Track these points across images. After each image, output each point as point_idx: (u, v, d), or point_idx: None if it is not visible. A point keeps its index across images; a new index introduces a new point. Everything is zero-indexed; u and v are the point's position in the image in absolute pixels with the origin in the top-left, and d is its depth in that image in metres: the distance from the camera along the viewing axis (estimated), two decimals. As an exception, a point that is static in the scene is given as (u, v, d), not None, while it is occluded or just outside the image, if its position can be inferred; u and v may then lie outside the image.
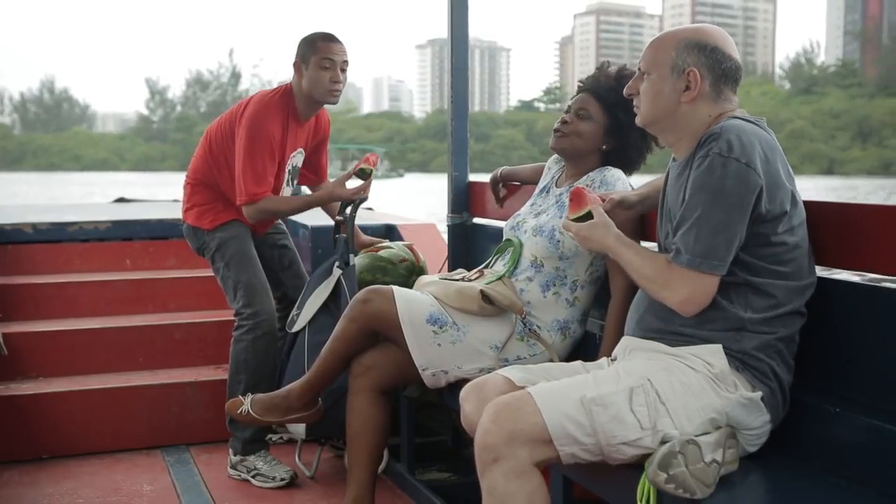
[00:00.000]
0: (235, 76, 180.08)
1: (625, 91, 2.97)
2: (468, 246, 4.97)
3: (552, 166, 4.08)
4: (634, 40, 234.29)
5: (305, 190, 5.21)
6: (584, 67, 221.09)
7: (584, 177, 3.77)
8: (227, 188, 4.64)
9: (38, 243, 6.14)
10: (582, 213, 2.94)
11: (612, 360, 3.01)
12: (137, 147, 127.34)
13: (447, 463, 4.77)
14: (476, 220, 5.13)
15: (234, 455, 4.63)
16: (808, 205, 2.81)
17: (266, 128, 4.43)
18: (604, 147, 3.76)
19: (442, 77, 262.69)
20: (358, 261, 4.68)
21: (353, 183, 4.54)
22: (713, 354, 2.70)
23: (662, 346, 2.79)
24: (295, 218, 5.51)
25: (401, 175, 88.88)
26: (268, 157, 4.45)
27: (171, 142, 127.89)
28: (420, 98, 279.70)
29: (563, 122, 3.80)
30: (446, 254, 5.05)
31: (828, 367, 2.89)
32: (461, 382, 3.46)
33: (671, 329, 2.79)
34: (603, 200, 3.09)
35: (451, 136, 5.09)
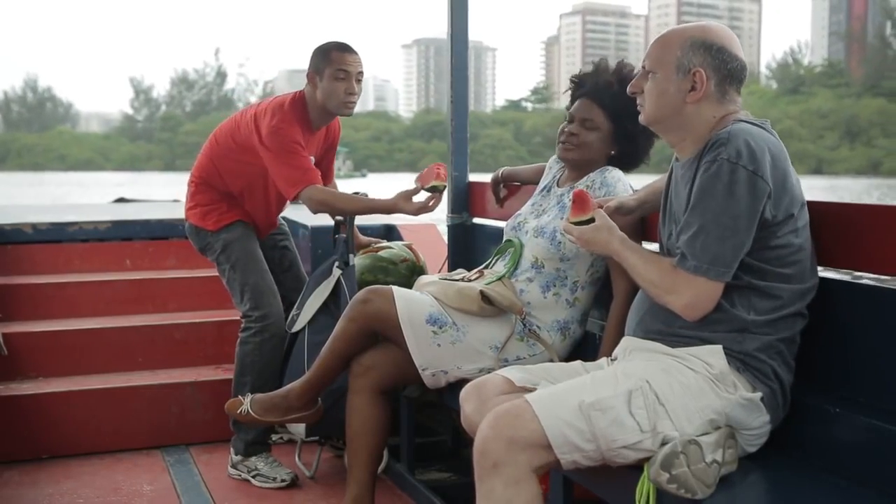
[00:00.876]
0: (221, 75, 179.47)
1: (628, 89, 2.96)
2: (468, 246, 4.98)
3: (553, 165, 4.08)
4: (620, 40, 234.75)
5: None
6: (571, 67, 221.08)
7: (585, 177, 3.77)
8: (234, 188, 4.64)
9: (38, 243, 6.14)
10: (585, 217, 2.92)
11: (612, 360, 3.01)
12: (122, 147, 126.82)
13: (447, 463, 4.77)
14: (476, 220, 5.13)
15: (236, 455, 4.64)
16: (809, 205, 2.81)
17: (290, 135, 4.38)
18: (612, 152, 3.78)
19: (428, 77, 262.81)
20: (358, 261, 4.68)
21: (419, 197, 4.36)
22: (712, 355, 2.70)
23: (662, 347, 2.79)
24: (294, 218, 5.52)
25: (364, 175, 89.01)
26: (301, 150, 4.40)
27: (157, 141, 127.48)
28: (406, 98, 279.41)
29: (571, 135, 3.79)
30: (446, 254, 5.06)
31: (828, 367, 2.88)
32: (461, 382, 3.47)
33: (672, 330, 2.78)
34: (601, 207, 3.07)
35: (451, 136, 5.10)
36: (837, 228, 2.87)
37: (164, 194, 13.50)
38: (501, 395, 2.90)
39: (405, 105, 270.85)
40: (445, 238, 5.19)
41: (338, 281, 4.51)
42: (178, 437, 5.15)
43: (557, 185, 3.95)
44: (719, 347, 2.70)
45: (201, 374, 5.30)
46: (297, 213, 5.43)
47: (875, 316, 2.76)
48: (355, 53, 4.50)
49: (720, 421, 2.67)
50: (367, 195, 4.62)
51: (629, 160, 3.80)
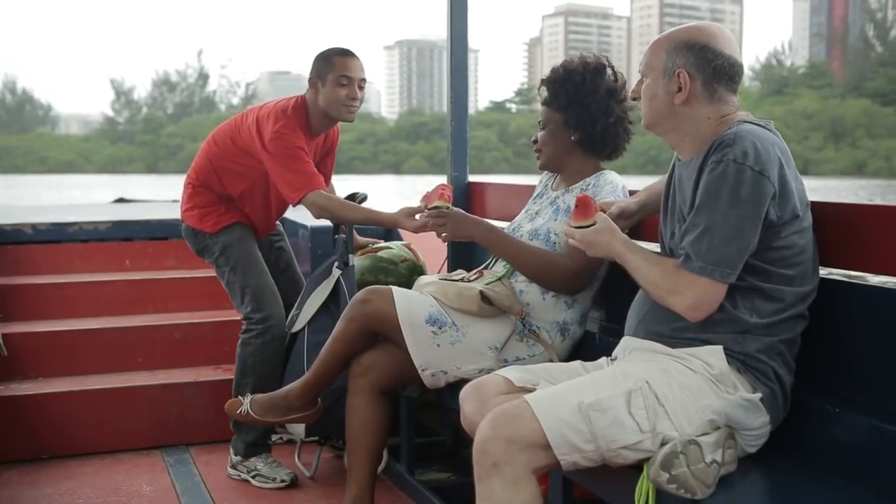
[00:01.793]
0: (203, 77, 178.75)
1: (630, 95, 3.00)
2: (468, 246, 4.97)
3: (543, 176, 4.13)
4: (603, 41, 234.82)
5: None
6: (581, 52, 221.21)
7: (581, 181, 3.79)
8: (233, 191, 4.63)
9: (38, 244, 6.14)
10: (588, 222, 2.93)
11: (612, 359, 3.01)
12: (104, 149, 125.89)
13: (447, 463, 4.78)
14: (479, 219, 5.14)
15: (235, 455, 4.64)
16: (813, 205, 2.81)
17: (293, 140, 4.38)
18: (573, 138, 3.78)
19: (410, 78, 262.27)
20: (358, 262, 4.68)
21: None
22: (713, 355, 2.70)
23: (663, 347, 2.79)
24: (294, 218, 5.53)
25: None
26: (304, 154, 4.40)
27: (139, 143, 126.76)
28: (388, 99, 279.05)
29: (534, 141, 3.90)
30: (446, 254, 5.06)
31: (828, 367, 2.89)
32: (461, 382, 3.47)
33: (673, 330, 2.79)
34: (603, 211, 3.09)
35: (451, 136, 5.11)
36: (838, 228, 2.87)
37: (148, 196, 13.45)
38: (501, 396, 2.90)
39: (387, 106, 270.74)
40: (445, 238, 5.17)
41: (337, 281, 4.51)
42: (177, 437, 5.15)
43: (551, 189, 3.98)
44: (719, 348, 2.70)
45: (201, 375, 5.30)
46: (296, 213, 5.44)
47: (875, 316, 2.76)
48: (358, 59, 4.49)
49: (720, 421, 2.67)
50: (366, 196, 4.65)
51: (597, 141, 3.80)
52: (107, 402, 5.06)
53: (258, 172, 4.52)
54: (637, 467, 2.61)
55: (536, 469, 2.63)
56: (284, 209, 4.86)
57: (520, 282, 3.75)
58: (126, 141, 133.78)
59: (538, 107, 3.94)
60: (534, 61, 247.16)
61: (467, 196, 5.13)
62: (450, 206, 4.01)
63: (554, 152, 3.84)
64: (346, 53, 4.48)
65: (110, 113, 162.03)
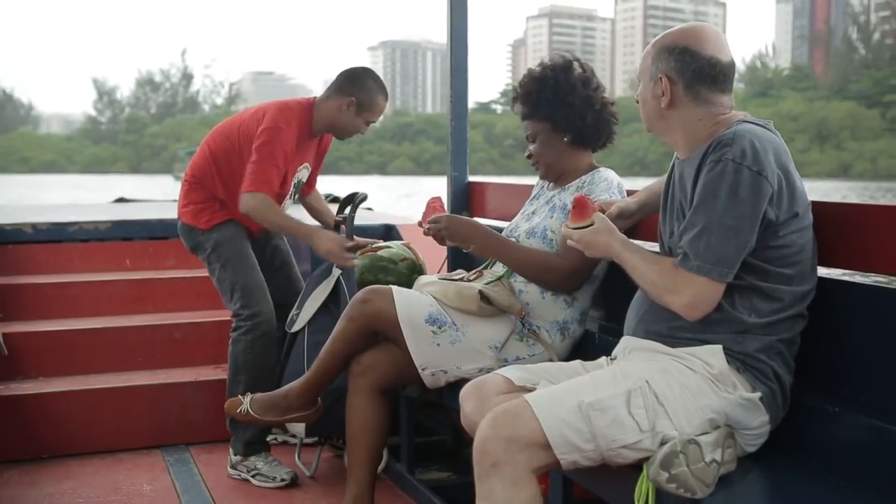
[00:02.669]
0: (187, 77, 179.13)
1: (636, 98, 3.00)
2: (467, 246, 5.01)
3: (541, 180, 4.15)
4: (587, 43, 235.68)
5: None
6: (542, 58, 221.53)
7: (577, 180, 3.81)
8: (224, 190, 4.66)
9: (39, 243, 6.14)
10: (586, 223, 2.94)
11: (611, 359, 3.01)
12: (86, 149, 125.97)
13: (447, 462, 4.78)
14: (476, 220, 5.13)
15: (235, 455, 4.65)
16: (813, 205, 2.81)
17: (284, 134, 4.45)
18: (566, 140, 3.80)
19: (394, 79, 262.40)
20: (358, 261, 4.71)
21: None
22: (712, 355, 2.70)
23: (662, 347, 2.80)
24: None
25: None
26: (281, 161, 4.48)
27: (122, 143, 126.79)
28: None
29: (529, 157, 3.92)
30: (445, 254, 5.07)
31: (827, 366, 2.89)
32: (461, 382, 3.48)
33: (672, 330, 2.79)
34: (603, 211, 3.10)
35: (451, 136, 5.12)
36: (838, 228, 2.88)
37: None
38: (501, 395, 2.91)
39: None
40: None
41: (337, 281, 4.52)
42: (178, 436, 5.15)
43: (548, 190, 3.99)
44: (719, 347, 2.70)
45: (201, 374, 5.31)
46: (296, 213, 5.45)
47: (875, 316, 2.77)
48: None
49: (719, 421, 2.67)
50: (366, 196, 4.70)
51: (589, 135, 3.82)
52: (107, 401, 5.07)
53: None
54: (637, 467, 2.62)
55: (536, 468, 2.64)
56: (282, 208, 4.83)
57: (519, 281, 3.76)
58: (109, 141, 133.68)
59: None
60: (518, 63, 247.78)
61: (467, 196, 5.14)
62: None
63: (551, 160, 3.85)
64: (387, 98, 4.70)
65: (93, 113, 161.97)
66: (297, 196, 4.90)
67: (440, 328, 3.66)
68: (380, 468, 4.05)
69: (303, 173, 4.80)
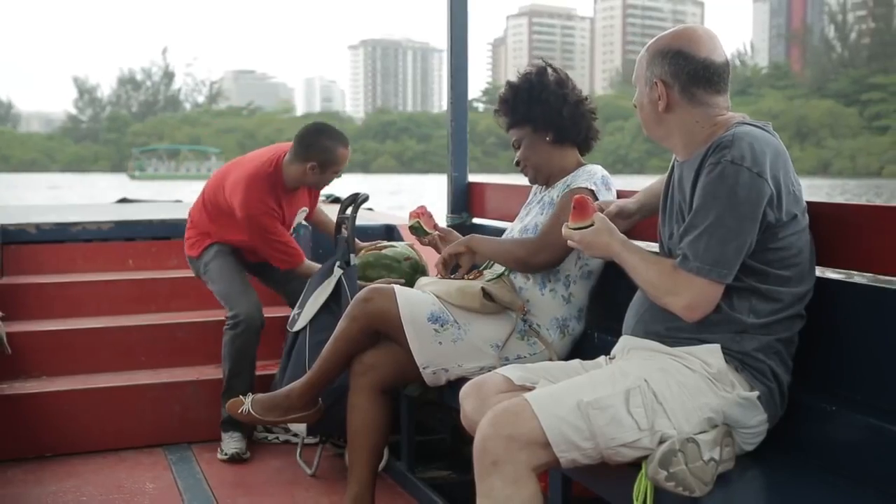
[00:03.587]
0: (168, 75, 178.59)
1: (633, 103, 3.02)
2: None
3: (535, 188, 4.18)
4: (566, 42, 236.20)
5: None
6: (518, 68, 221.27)
7: (563, 178, 3.86)
8: (210, 223, 5.15)
9: (42, 243, 6.15)
10: (585, 223, 2.94)
11: (610, 358, 3.02)
12: (68, 147, 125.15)
13: (447, 461, 4.79)
14: (476, 220, 5.20)
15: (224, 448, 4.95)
16: (808, 205, 2.82)
17: (264, 213, 4.87)
18: (548, 139, 3.85)
19: (375, 78, 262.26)
20: (362, 258, 4.76)
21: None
22: (711, 354, 2.72)
23: (661, 346, 2.81)
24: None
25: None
26: (281, 231, 4.98)
27: (103, 142, 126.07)
28: (353, 99, 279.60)
29: (517, 164, 3.98)
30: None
31: (825, 365, 2.91)
32: (461, 381, 3.51)
33: (671, 330, 2.80)
34: (601, 211, 3.12)
35: (451, 136, 5.16)
36: (835, 228, 2.90)
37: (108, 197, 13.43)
38: (501, 394, 2.92)
39: (352, 106, 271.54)
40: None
41: (339, 280, 4.54)
42: (180, 435, 5.18)
43: (539, 193, 4.04)
44: (717, 347, 2.72)
45: (203, 373, 5.33)
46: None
47: (872, 315, 2.79)
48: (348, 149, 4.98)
49: (718, 419, 2.68)
50: (367, 196, 4.75)
51: (569, 128, 3.87)
52: (110, 400, 5.10)
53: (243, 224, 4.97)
54: (635, 465, 2.63)
55: (536, 467, 2.65)
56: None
57: (519, 278, 3.80)
58: (90, 139, 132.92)
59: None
60: (498, 61, 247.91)
61: (467, 196, 5.17)
62: (422, 225, 4.23)
63: (537, 162, 3.90)
64: (346, 145, 4.94)
65: (73, 111, 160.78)
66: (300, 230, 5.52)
67: (442, 326, 3.69)
68: (380, 466, 4.08)
69: (300, 216, 5.26)
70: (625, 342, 3.00)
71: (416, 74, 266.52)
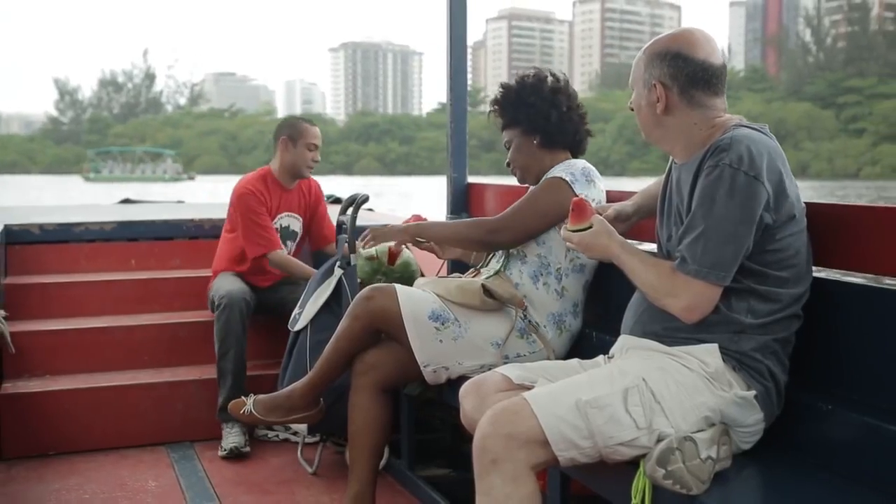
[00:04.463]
0: (150, 77, 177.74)
1: (627, 107, 3.03)
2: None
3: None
4: (545, 45, 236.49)
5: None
6: (497, 71, 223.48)
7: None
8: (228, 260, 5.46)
9: (45, 244, 6.18)
10: (584, 225, 2.95)
11: (609, 357, 3.04)
12: (49, 149, 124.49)
13: (447, 459, 4.82)
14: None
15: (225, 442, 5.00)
16: (807, 206, 2.83)
17: (248, 190, 5.30)
18: (535, 142, 3.88)
19: (355, 80, 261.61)
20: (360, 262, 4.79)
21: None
22: (708, 353, 2.73)
23: (659, 346, 2.82)
24: None
25: (192, 178, 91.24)
26: (261, 211, 5.27)
27: (85, 144, 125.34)
28: (333, 101, 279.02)
29: (508, 165, 4.02)
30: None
31: (821, 365, 2.92)
32: (460, 380, 3.54)
33: (668, 330, 2.82)
34: (599, 213, 3.11)
35: (451, 137, 5.19)
36: (833, 229, 2.91)
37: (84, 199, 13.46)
38: (500, 393, 2.94)
39: (332, 108, 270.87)
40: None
41: (339, 280, 4.57)
42: (182, 433, 5.22)
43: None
44: (715, 346, 2.73)
45: (205, 372, 5.34)
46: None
47: (868, 315, 2.80)
48: (318, 128, 5.51)
49: (715, 418, 2.70)
50: (367, 197, 4.78)
51: (556, 133, 3.90)
52: (113, 399, 5.13)
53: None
54: (633, 463, 2.65)
55: (535, 465, 2.67)
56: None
57: (513, 274, 3.83)
58: (72, 141, 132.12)
59: (485, 108, 4.09)
60: (478, 64, 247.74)
61: (466, 197, 5.20)
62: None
63: (524, 162, 3.94)
64: (313, 124, 5.49)
65: (54, 113, 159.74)
66: (294, 242, 5.60)
67: (443, 325, 3.71)
68: (381, 465, 4.11)
69: (289, 221, 5.52)
70: (623, 341, 3.01)
71: (396, 77, 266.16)
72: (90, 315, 5.74)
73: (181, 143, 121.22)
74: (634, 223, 3.47)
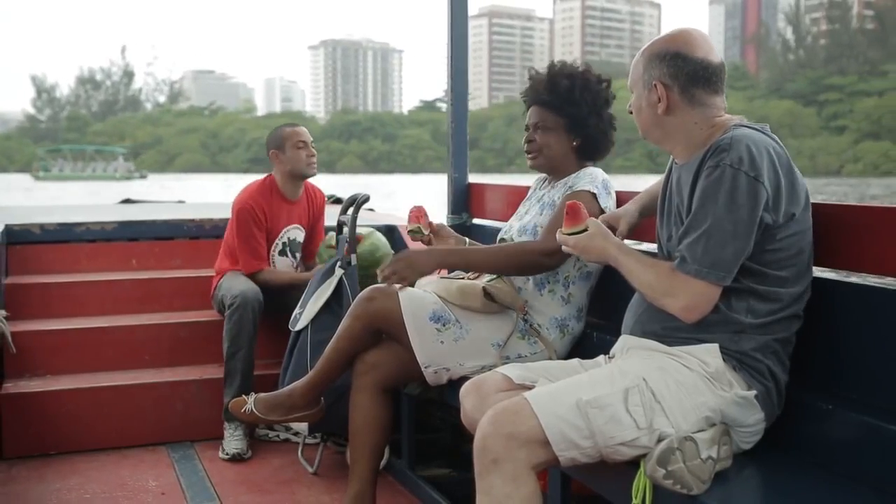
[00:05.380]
0: (128, 75, 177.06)
1: (627, 108, 3.04)
2: (469, 246, 5.08)
3: (535, 182, 4.21)
4: (525, 43, 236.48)
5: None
6: (478, 69, 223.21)
7: (563, 180, 3.87)
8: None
9: (46, 243, 6.18)
10: (579, 228, 2.95)
11: (609, 357, 3.04)
12: (27, 148, 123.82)
13: (447, 459, 4.83)
14: (476, 220, 5.24)
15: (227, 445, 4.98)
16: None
17: (248, 206, 5.28)
18: (574, 143, 3.85)
19: (335, 78, 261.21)
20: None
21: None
22: (709, 353, 2.73)
23: (659, 345, 2.83)
24: None
25: (143, 177, 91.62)
26: (256, 230, 5.29)
27: (63, 142, 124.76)
28: (313, 98, 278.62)
29: (529, 142, 3.92)
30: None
31: (821, 365, 2.93)
32: (461, 380, 3.54)
33: (668, 330, 2.82)
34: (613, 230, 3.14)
35: (451, 137, 5.20)
36: (834, 229, 2.91)
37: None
38: (501, 393, 2.94)
39: (312, 105, 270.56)
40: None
41: (340, 280, 4.59)
42: (183, 433, 5.22)
43: (539, 190, 4.07)
44: (716, 346, 2.73)
45: (206, 372, 5.36)
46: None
47: (868, 315, 2.81)
48: (302, 126, 5.50)
49: (715, 418, 2.70)
50: (368, 197, 4.80)
51: (595, 145, 3.89)
52: (113, 398, 5.13)
53: None
54: (634, 463, 2.65)
55: (536, 465, 2.67)
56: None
57: (518, 279, 3.81)
58: (50, 140, 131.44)
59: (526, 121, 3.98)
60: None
61: (467, 197, 5.21)
62: (420, 227, 4.15)
63: (554, 156, 3.88)
64: (293, 124, 5.47)
65: (31, 111, 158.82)
66: (297, 255, 5.59)
67: (444, 326, 3.71)
68: (381, 465, 4.12)
69: (293, 233, 5.50)
70: (624, 341, 3.01)
71: (376, 75, 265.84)
72: (91, 315, 5.74)
73: (161, 140, 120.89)
74: (638, 223, 3.47)
